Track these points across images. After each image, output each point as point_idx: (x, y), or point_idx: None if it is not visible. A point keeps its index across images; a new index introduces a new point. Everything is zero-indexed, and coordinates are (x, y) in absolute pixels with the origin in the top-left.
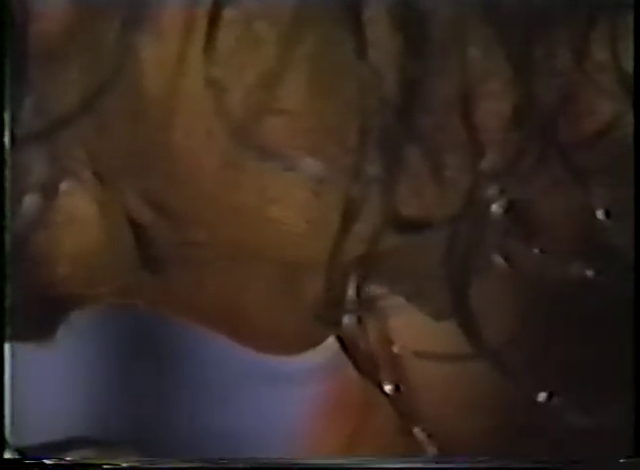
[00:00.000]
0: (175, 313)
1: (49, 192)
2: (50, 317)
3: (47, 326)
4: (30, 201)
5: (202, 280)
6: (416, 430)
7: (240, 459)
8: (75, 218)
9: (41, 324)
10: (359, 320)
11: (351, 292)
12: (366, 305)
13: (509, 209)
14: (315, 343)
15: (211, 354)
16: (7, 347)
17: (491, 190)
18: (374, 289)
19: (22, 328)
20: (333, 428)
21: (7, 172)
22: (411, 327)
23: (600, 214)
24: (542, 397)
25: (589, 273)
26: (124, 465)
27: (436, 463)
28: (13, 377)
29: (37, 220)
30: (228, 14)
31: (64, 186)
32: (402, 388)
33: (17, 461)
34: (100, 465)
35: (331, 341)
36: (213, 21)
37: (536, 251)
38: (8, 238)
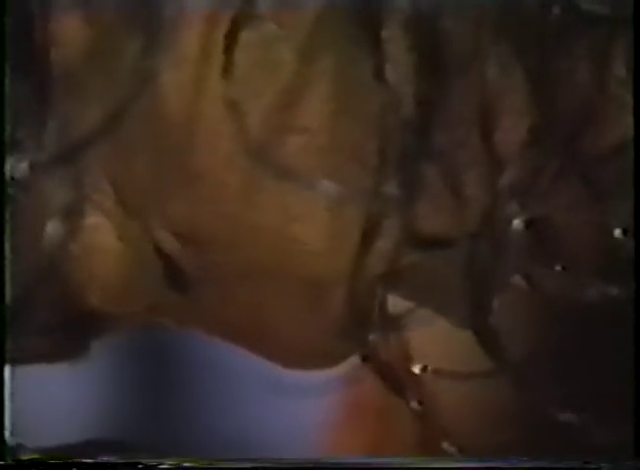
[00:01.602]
0: (202, 331)
1: (73, 221)
2: (81, 338)
3: (78, 347)
4: (54, 229)
5: (227, 298)
6: (444, 444)
7: (263, 459)
8: (101, 248)
9: (72, 345)
10: (383, 337)
11: (375, 308)
12: (389, 322)
13: (530, 225)
14: (340, 359)
15: (235, 368)
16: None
17: (511, 207)
18: (397, 305)
19: (54, 349)
20: (352, 437)
21: (27, 198)
22: (434, 343)
23: (618, 232)
24: (565, 416)
25: (609, 290)
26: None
27: (456, 462)
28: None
29: (63, 248)
30: (246, 36)
31: (87, 215)
32: (426, 404)
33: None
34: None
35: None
36: (231, 43)
37: (557, 267)
38: (35, 263)
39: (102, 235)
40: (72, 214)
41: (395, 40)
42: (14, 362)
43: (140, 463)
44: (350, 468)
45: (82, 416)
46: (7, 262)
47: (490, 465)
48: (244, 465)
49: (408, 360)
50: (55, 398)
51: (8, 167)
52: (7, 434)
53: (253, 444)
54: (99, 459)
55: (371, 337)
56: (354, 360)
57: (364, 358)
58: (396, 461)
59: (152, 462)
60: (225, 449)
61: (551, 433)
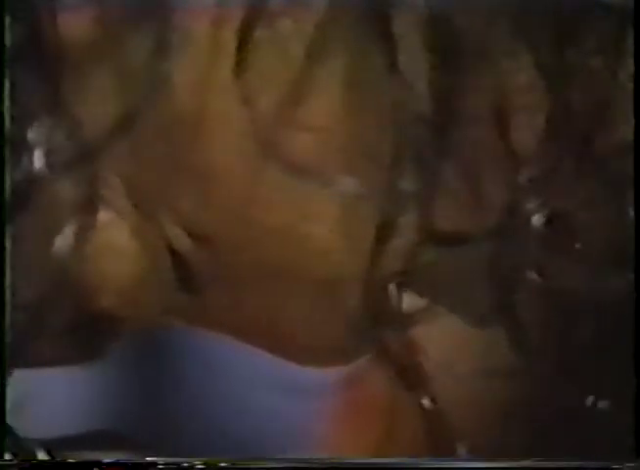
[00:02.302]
0: (215, 331)
1: (87, 221)
2: (95, 341)
3: (93, 349)
4: (69, 230)
5: (240, 298)
6: (458, 445)
7: (273, 459)
8: (114, 248)
9: (86, 348)
10: (397, 334)
11: (390, 306)
12: (405, 320)
13: (549, 221)
14: (355, 357)
15: (241, 367)
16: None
17: (530, 203)
18: (413, 302)
19: (69, 352)
20: (361, 434)
21: (43, 199)
22: (448, 341)
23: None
24: (589, 401)
25: (627, 284)
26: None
27: (463, 462)
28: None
29: (77, 249)
30: (257, 33)
31: (101, 216)
32: (439, 402)
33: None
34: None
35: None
36: (243, 41)
37: (576, 262)
38: (48, 265)
39: (114, 236)
40: (85, 215)
41: (409, 36)
42: (27, 365)
43: (139, 463)
44: (354, 468)
45: (88, 413)
46: (9, 264)
47: (492, 465)
48: (247, 465)
49: (422, 358)
50: (62, 396)
51: (22, 167)
52: (12, 428)
53: (262, 442)
54: (99, 459)
55: (385, 335)
56: (369, 357)
57: (378, 356)
58: (399, 461)
59: (152, 461)
60: (231, 447)
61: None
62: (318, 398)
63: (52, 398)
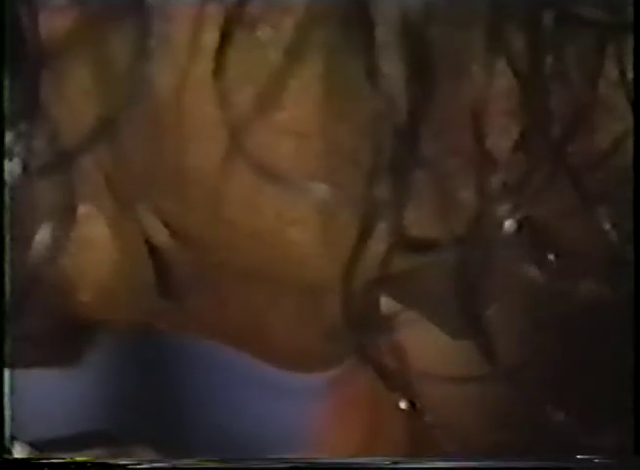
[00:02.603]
0: (197, 334)
1: (66, 217)
2: (73, 343)
3: (70, 352)
4: (48, 226)
5: (222, 302)
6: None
7: (259, 459)
8: (94, 243)
9: (64, 351)
10: (377, 340)
11: (369, 312)
12: (384, 325)
13: (521, 227)
14: (335, 362)
15: (232, 366)
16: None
17: (502, 209)
18: (392, 309)
19: (46, 355)
20: (345, 436)
21: (21, 199)
22: (428, 346)
23: (608, 228)
24: (558, 416)
25: (603, 290)
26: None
27: (455, 463)
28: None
29: (56, 246)
30: (237, 37)
31: (81, 211)
32: (418, 405)
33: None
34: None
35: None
36: (223, 45)
37: (550, 268)
38: (27, 265)
39: (96, 233)
40: (67, 214)
41: (386, 44)
42: (11, 367)
43: (140, 463)
44: (354, 468)
45: (78, 413)
46: (6, 265)
47: (489, 465)
48: (241, 465)
49: (402, 363)
50: (53, 396)
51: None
52: (6, 432)
53: (252, 442)
54: (98, 459)
55: (365, 340)
56: (349, 363)
57: (358, 361)
58: (391, 462)
59: (150, 462)
60: (222, 448)
61: (549, 434)
62: (302, 399)
63: (32, 398)
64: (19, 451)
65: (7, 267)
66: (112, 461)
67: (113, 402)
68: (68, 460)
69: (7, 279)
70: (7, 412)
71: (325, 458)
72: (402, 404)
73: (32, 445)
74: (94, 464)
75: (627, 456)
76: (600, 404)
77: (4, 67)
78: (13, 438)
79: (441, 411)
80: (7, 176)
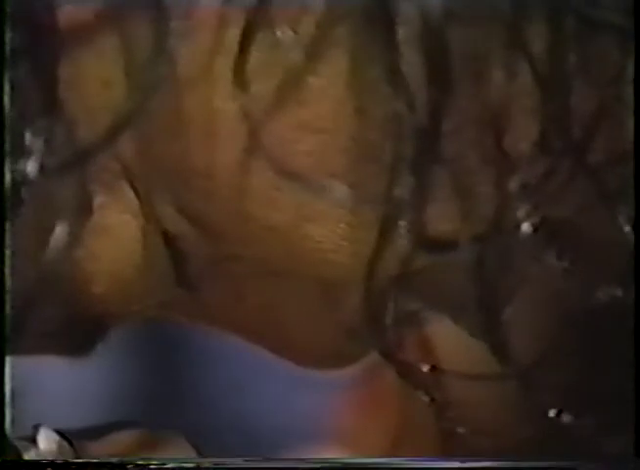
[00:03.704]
0: (213, 326)
1: (85, 205)
2: (89, 334)
3: (86, 342)
4: (65, 219)
5: (239, 295)
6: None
7: (267, 458)
8: (111, 232)
9: (80, 340)
10: (397, 336)
11: (389, 309)
12: (404, 322)
13: (539, 228)
14: (353, 359)
15: (247, 359)
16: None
17: (521, 209)
18: (411, 306)
19: (62, 343)
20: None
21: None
22: (447, 343)
23: (628, 230)
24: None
25: (618, 292)
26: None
27: (456, 463)
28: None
29: (74, 236)
30: (259, 37)
31: (99, 200)
32: (438, 399)
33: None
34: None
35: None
36: (244, 42)
37: (566, 269)
38: (46, 256)
39: (114, 222)
40: (85, 202)
41: (406, 43)
42: (24, 354)
43: (139, 463)
44: (354, 468)
45: (90, 403)
46: (9, 260)
47: (491, 465)
48: (245, 465)
49: (420, 361)
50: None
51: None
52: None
53: (268, 437)
54: (98, 459)
55: (384, 337)
56: (369, 360)
57: (378, 358)
58: (401, 462)
59: (153, 463)
60: (238, 442)
61: (558, 435)
62: (319, 393)
63: (46, 388)
64: (44, 438)
65: (19, 263)
66: (114, 461)
67: (135, 395)
68: (69, 460)
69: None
70: (25, 402)
71: (332, 458)
72: (424, 399)
73: (58, 432)
74: (95, 464)
75: (628, 457)
76: (612, 405)
77: (4, 68)
78: (37, 425)
79: (462, 407)
80: (27, 171)
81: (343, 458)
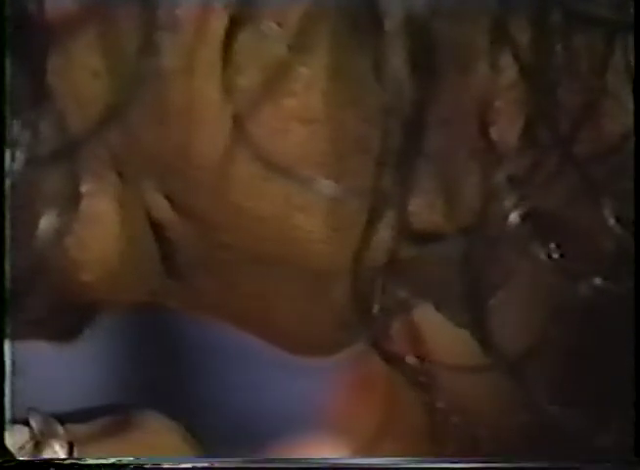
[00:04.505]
0: (203, 314)
1: (72, 193)
2: (77, 320)
3: (73, 328)
4: (53, 208)
5: (229, 283)
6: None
7: (261, 458)
8: (100, 220)
9: (68, 326)
10: (385, 325)
11: (377, 298)
12: (392, 311)
13: (526, 218)
14: (342, 347)
15: (235, 346)
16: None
17: (508, 201)
18: (399, 295)
19: (50, 329)
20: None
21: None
22: (434, 331)
23: (612, 223)
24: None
25: (606, 283)
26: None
27: (456, 463)
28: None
29: (62, 223)
30: (244, 31)
31: (86, 187)
32: (425, 386)
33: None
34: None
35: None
36: (230, 38)
37: (554, 260)
38: (35, 245)
39: (101, 209)
40: (73, 190)
41: (392, 35)
42: (17, 340)
43: (139, 464)
44: (354, 468)
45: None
46: (7, 245)
47: (490, 465)
48: (242, 465)
49: (408, 350)
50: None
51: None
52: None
53: (259, 424)
54: (98, 459)
55: (372, 326)
56: (356, 348)
57: (366, 347)
58: (397, 462)
59: (154, 463)
60: (230, 429)
61: (549, 431)
62: (309, 378)
63: (35, 373)
64: (36, 421)
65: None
66: (117, 462)
67: (128, 383)
68: (71, 461)
69: (15, 259)
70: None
71: (333, 458)
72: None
73: (50, 415)
74: (97, 464)
75: (628, 457)
76: (604, 402)
77: (4, 58)
78: (30, 408)
79: (449, 398)
80: (15, 161)
81: (344, 458)
